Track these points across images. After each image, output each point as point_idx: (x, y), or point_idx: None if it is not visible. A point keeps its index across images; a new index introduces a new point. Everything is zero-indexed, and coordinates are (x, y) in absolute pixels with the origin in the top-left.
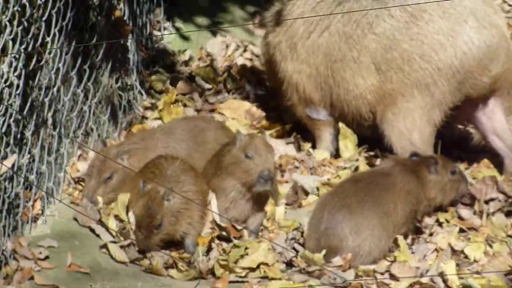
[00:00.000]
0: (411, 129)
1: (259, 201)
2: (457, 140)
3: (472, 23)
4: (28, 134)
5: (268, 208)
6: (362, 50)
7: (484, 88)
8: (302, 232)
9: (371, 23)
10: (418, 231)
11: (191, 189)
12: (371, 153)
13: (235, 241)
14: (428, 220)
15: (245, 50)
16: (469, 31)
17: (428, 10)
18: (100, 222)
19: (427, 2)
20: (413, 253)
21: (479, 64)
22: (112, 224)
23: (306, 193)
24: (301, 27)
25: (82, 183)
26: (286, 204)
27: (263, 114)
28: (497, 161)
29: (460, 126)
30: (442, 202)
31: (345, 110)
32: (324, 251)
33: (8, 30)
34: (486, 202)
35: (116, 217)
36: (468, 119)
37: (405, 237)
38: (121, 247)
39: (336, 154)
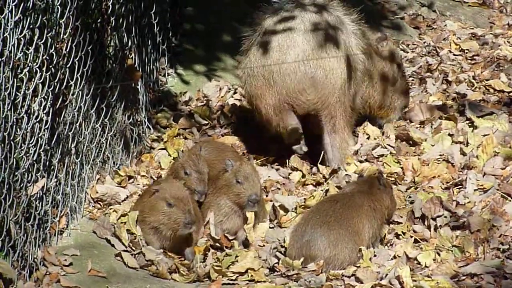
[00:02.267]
0: None
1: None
2: None
3: (294, 56)
4: (55, 161)
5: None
6: None
7: (305, 107)
8: (282, 245)
9: None
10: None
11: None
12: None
13: (227, 250)
14: (388, 234)
15: (235, 92)
16: (292, 63)
17: (276, 43)
18: (115, 235)
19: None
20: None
21: (297, 88)
22: (125, 236)
23: (286, 211)
24: None
25: (100, 202)
26: (269, 221)
27: (251, 146)
28: None
29: None
30: (391, 211)
31: None
32: (302, 259)
33: (38, 75)
34: (434, 218)
35: (128, 230)
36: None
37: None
38: (132, 255)
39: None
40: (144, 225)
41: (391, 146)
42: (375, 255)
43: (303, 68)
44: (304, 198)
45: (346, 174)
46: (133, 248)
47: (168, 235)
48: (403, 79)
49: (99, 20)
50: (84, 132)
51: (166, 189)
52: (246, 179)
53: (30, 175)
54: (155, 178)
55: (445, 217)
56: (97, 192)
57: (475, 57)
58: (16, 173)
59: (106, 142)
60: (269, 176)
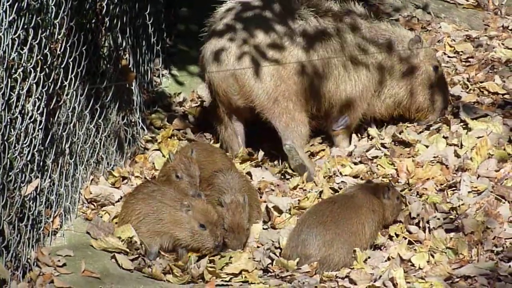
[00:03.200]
0: None
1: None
2: None
3: (212, 61)
4: (49, 162)
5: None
6: None
7: (235, 101)
8: (276, 246)
9: None
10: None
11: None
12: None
13: (221, 252)
14: (381, 236)
15: None
16: (211, 67)
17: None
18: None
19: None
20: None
21: (222, 85)
22: (118, 241)
23: (280, 212)
24: None
25: (94, 203)
26: (263, 222)
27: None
28: None
29: None
30: (389, 222)
31: None
32: (297, 259)
33: (32, 75)
34: (428, 221)
35: (119, 237)
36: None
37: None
38: (131, 260)
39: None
40: (153, 229)
41: (386, 148)
42: (368, 257)
43: (224, 67)
44: (298, 200)
45: (342, 181)
46: (129, 250)
47: (185, 245)
48: (441, 81)
49: (93, 21)
50: (78, 133)
51: (199, 210)
52: (231, 230)
53: (24, 175)
54: (149, 179)
55: (438, 219)
56: (91, 193)
57: (469, 59)
58: (10, 174)
59: (100, 143)
60: (263, 178)
